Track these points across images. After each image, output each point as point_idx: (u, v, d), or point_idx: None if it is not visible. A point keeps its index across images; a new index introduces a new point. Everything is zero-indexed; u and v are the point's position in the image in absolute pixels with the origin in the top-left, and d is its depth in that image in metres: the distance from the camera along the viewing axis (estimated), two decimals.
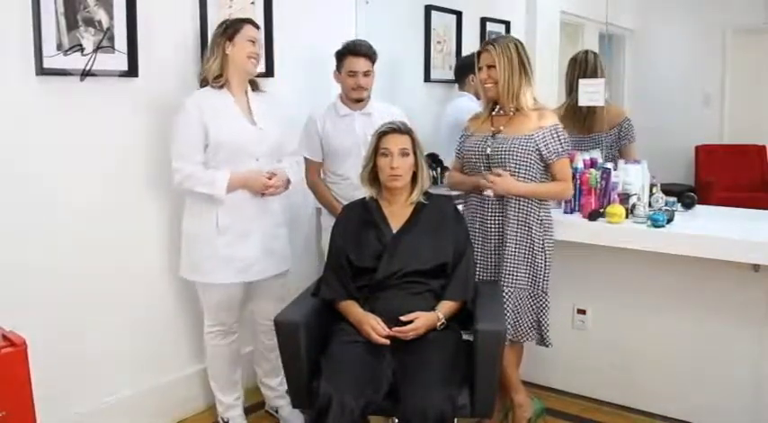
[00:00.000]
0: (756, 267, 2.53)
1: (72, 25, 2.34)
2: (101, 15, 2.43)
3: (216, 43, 2.49)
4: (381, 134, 2.34)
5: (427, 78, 4.16)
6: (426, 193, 2.41)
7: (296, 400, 2.26)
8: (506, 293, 2.50)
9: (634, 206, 2.70)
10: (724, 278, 2.63)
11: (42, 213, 2.37)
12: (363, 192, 2.44)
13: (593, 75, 3.21)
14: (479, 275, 2.54)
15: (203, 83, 2.53)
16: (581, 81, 3.13)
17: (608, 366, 2.96)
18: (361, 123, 2.97)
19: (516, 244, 2.50)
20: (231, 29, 2.48)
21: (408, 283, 2.27)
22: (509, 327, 2.49)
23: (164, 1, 2.66)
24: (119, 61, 2.49)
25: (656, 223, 2.58)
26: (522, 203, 2.49)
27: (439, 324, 2.22)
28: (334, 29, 3.34)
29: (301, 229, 3.30)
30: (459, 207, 2.58)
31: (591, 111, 3.20)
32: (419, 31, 4.10)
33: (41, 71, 2.28)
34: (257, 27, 2.56)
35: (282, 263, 2.69)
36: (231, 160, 2.46)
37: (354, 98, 2.96)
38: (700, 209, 2.97)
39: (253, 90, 2.59)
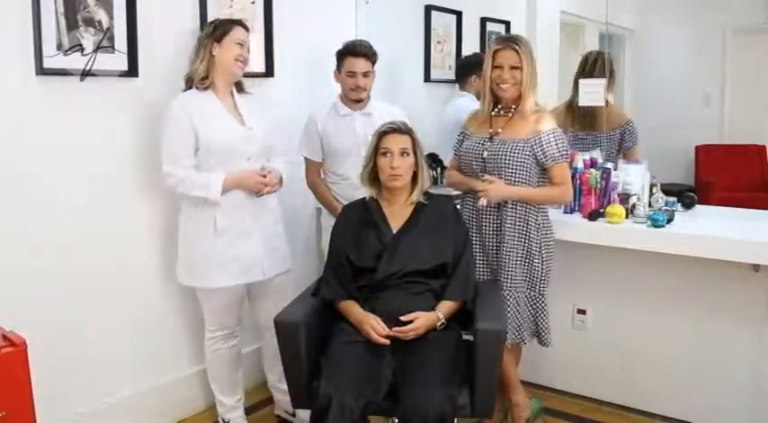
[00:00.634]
0: (756, 267, 2.53)
1: (72, 25, 2.34)
2: (101, 15, 2.43)
3: (203, 44, 2.46)
4: (381, 134, 2.34)
5: (427, 78, 4.16)
6: (426, 193, 2.42)
7: (296, 400, 2.26)
8: (506, 296, 2.49)
9: (634, 206, 2.70)
10: (724, 278, 2.63)
11: (42, 213, 2.37)
12: (363, 192, 2.44)
13: (602, 75, 3.20)
14: (478, 278, 2.53)
15: (188, 84, 2.50)
16: (581, 81, 3.14)
17: (608, 366, 2.96)
18: (361, 123, 2.97)
19: (513, 247, 2.49)
20: (219, 30, 2.46)
21: (408, 283, 2.27)
22: (510, 330, 2.49)
23: (164, 1, 2.66)
24: (119, 61, 2.49)
25: (656, 223, 2.58)
26: (518, 207, 2.48)
27: (439, 324, 2.22)
28: (334, 29, 3.34)
29: (301, 229, 3.30)
30: (459, 207, 2.58)
31: (593, 109, 3.20)
32: (419, 31, 4.10)
33: (41, 71, 2.28)
34: (247, 29, 2.53)
35: (285, 261, 2.68)
36: (223, 161, 2.43)
37: (353, 99, 2.96)
38: (700, 209, 2.97)
39: (238, 91, 2.56)
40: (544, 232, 2.54)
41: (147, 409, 2.74)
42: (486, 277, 2.56)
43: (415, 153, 2.34)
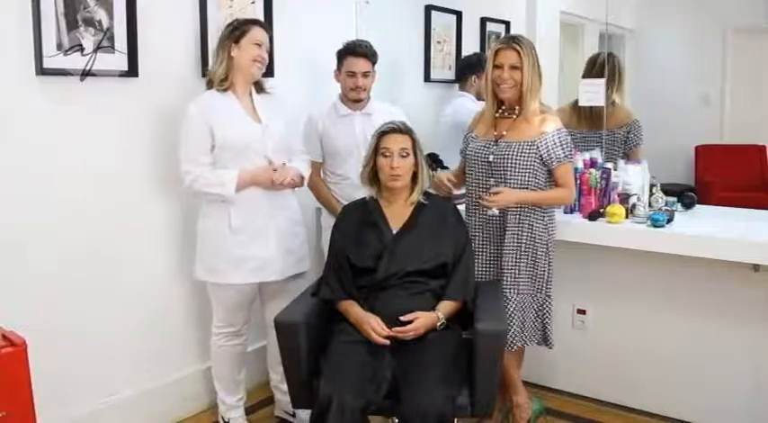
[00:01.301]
0: (756, 267, 2.53)
1: (72, 25, 2.34)
2: (101, 15, 2.43)
3: (222, 45, 2.48)
4: (381, 134, 2.34)
5: (427, 78, 4.16)
6: (426, 194, 2.41)
7: (296, 401, 2.26)
8: (509, 299, 2.48)
9: (634, 206, 2.70)
10: (724, 278, 2.63)
11: (42, 213, 2.37)
12: (363, 192, 2.44)
13: (611, 76, 3.20)
14: (481, 279, 2.53)
15: (209, 85, 2.52)
16: (581, 81, 3.14)
17: (608, 366, 2.96)
18: (361, 123, 2.97)
19: (518, 250, 2.48)
20: (238, 31, 2.46)
21: (408, 284, 2.27)
22: (516, 333, 2.49)
23: (164, 1, 2.66)
24: (119, 61, 2.49)
25: (656, 223, 2.58)
26: (523, 209, 2.47)
27: (439, 324, 2.22)
28: (334, 29, 3.34)
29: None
30: (460, 207, 2.57)
31: (599, 108, 3.20)
32: (419, 31, 4.10)
33: (41, 71, 2.28)
34: (266, 29, 2.53)
35: (301, 263, 2.66)
36: (239, 159, 2.45)
37: (352, 98, 2.96)
38: (700, 209, 2.97)
39: (257, 92, 2.57)
40: (549, 232, 2.54)
41: (148, 409, 2.74)
42: (488, 278, 2.55)
43: (414, 153, 2.33)
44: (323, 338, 2.26)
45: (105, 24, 2.44)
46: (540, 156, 2.44)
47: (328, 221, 2.92)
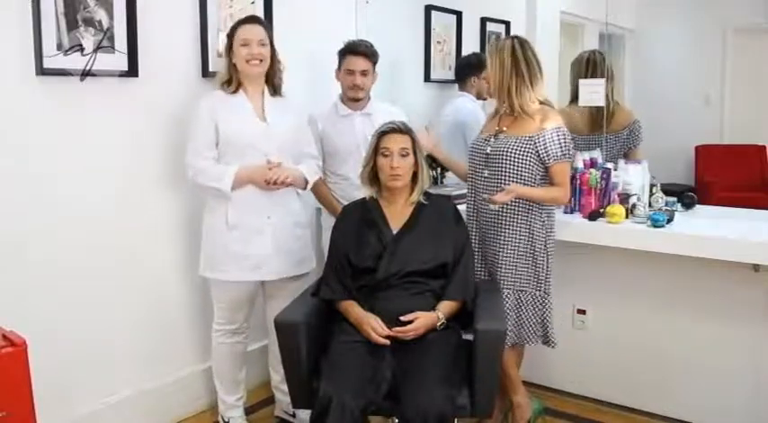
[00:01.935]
0: (756, 267, 2.53)
1: (72, 25, 2.34)
2: (101, 15, 2.43)
3: (225, 52, 2.52)
4: (381, 134, 2.34)
5: (427, 78, 4.16)
6: (426, 193, 2.41)
7: (296, 401, 2.26)
8: (507, 296, 2.49)
9: (634, 206, 2.70)
10: (724, 278, 2.63)
11: (42, 214, 2.37)
12: (363, 192, 2.44)
13: (601, 75, 3.20)
14: (479, 277, 2.53)
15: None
16: (581, 81, 3.14)
17: (608, 366, 2.96)
18: (361, 123, 2.97)
19: (516, 246, 2.49)
20: (230, 36, 2.49)
21: (408, 284, 2.27)
22: (512, 330, 2.49)
23: (164, 1, 2.66)
24: (119, 61, 2.49)
25: (656, 223, 2.58)
26: (521, 206, 2.48)
27: (439, 324, 2.22)
28: (334, 29, 3.34)
29: None
30: (460, 207, 2.58)
31: (600, 110, 3.20)
32: (419, 31, 4.10)
33: (41, 71, 2.28)
34: (257, 23, 2.52)
35: (302, 265, 2.66)
36: (240, 156, 2.47)
37: (351, 97, 2.96)
38: (700, 209, 2.97)
39: (272, 94, 2.58)
40: (549, 231, 2.54)
41: (147, 408, 2.74)
42: (486, 276, 2.56)
43: (414, 153, 2.33)
44: (323, 338, 2.26)
45: (105, 24, 2.44)
46: (538, 152, 2.45)
47: (328, 221, 2.92)
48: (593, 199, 2.77)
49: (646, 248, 2.61)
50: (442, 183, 3.43)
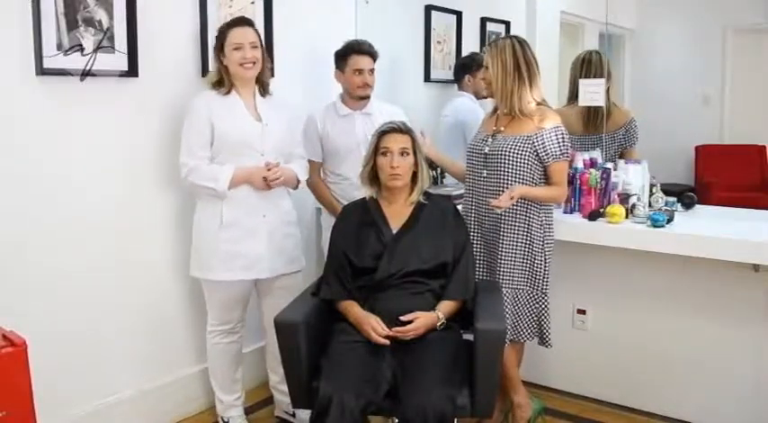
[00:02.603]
0: (756, 267, 2.53)
1: (72, 25, 2.34)
2: (101, 15, 2.43)
3: (215, 54, 2.52)
4: (381, 133, 2.34)
5: (427, 78, 4.16)
6: (426, 193, 2.41)
7: (296, 401, 2.26)
8: (504, 294, 2.49)
9: (634, 206, 2.70)
10: (724, 278, 2.63)
11: (41, 214, 2.37)
12: (363, 192, 2.44)
13: (597, 75, 3.19)
14: (478, 276, 2.54)
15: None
16: (581, 81, 3.13)
17: (608, 366, 2.96)
18: (361, 123, 2.98)
19: (514, 244, 2.50)
20: (218, 40, 2.49)
21: (408, 283, 2.27)
22: (508, 326, 2.49)
23: (164, 1, 2.66)
24: (119, 61, 2.49)
25: (656, 223, 2.58)
26: (519, 204, 2.48)
27: (439, 324, 2.22)
28: (334, 29, 3.34)
29: (301, 229, 3.29)
30: (460, 207, 2.58)
31: (597, 110, 3.20)
32: (419, 31, 4.10)
33: (41, 71, 2.28)
34: (248, 25, 2.51)
35: (293, 263, 2.68)
36: (235, 155, 2.47)
37: (360, 96, 2.98)
38: (700, 209, 2.97)
39: (262, 95, 2.58)
40: (547, 230, 2.54)
41: (147, 408, 2.74)
42: (486, 276, 2.57)
43: (414, 153, 2.34)
44: (323, 338, 2.26)
45: (105, 24, 2.44)
46: (536, 151, 2.46)
47: (328, 221, 2.93)
48: (593, 199, 2.77)
49: (646, 248, 2.61)
50: (441, 183, 3.43)
